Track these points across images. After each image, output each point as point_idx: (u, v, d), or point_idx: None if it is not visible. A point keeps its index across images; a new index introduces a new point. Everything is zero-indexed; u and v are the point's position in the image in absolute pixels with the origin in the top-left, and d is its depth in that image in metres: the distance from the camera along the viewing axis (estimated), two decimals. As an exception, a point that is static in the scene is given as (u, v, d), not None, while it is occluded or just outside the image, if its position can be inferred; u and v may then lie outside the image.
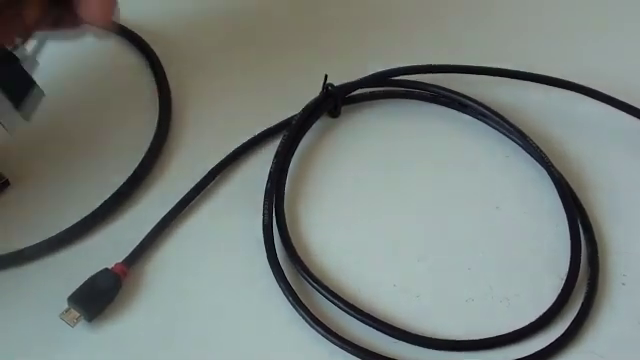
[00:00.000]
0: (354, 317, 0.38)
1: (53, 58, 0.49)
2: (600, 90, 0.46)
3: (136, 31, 0.51)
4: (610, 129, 0.47)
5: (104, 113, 0.47)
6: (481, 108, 0.46)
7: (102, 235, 0.41)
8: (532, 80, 0.47)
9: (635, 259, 0.41)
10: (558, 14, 0.55)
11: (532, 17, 0.55)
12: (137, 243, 0.40)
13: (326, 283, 0.39)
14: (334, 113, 0.47)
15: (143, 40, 0.50)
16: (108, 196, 0.42)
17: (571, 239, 0.41)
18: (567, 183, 0.43)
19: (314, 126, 0.46)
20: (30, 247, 0.40)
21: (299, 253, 0.40)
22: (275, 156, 0.43)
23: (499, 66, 0.47)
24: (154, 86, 0.48)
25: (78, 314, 0.37)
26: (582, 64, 0.49)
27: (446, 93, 0.47)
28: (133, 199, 0.43)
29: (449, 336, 0.38)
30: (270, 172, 0.43)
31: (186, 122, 0.47)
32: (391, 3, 0.55)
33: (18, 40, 0.37)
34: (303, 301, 0.38)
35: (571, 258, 0.40)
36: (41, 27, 0.38)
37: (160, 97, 0.47)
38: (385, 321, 0.38)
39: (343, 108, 0.47)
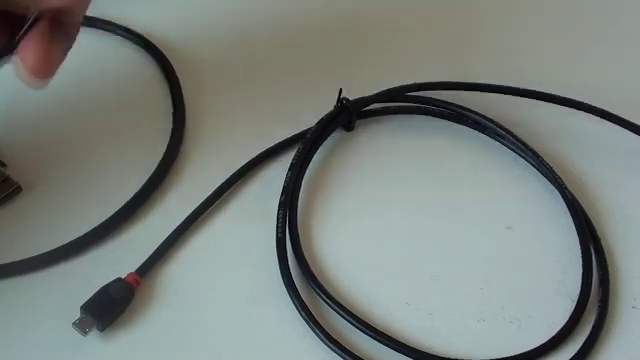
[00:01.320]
0: (366, 334, 0.38)
1: (65, 65, 0.49)
2: (618, 114, 0.46)
3: (153, 41, 0.51)
4: (625, 153, 0.47)
5: (118, 122, 0.47)
6: (495, 126, 0.46)
7: (115, 244, 0.41)
8: (548, 101, 0.47)
9: (646, 283, 0.41)
10: (579, 35, 0.55)
11: (551, 37, 0.55)
12: (150, 253, 0.40)
13: (338, 299, 0.39)
14: (348, 127, 0.47)
15: (160, 51, 0.50)
16: (122, 204, 0.42)
17: (583, 261, 0.41)
18: (580, 205, 0.43)
19: (328, 140, 0.46)
20: (42, 254, 0.40)
21: (312, 268, 0.40)
22: (289, 169, 0.43)
23: (515, 85, 0.47)
24: (169, 96, 0.48)
25: (90, 323, 0.37)
26: (601, 86, 0.49)
27: (460, 111, 0.47)
28: (147, 208, 0.42)
29: (460, 355, 0.38)
30: (284, 185, 0.43)
31: (200, 133, 0.47)
32: (408, 19, 0.56)
33: None
34: (316, 316, 0.38)
35: (582, 280, 0.40)
36: None
37: (174, 107, 0.47)
38: (397, 339, 0.38)
39: (358, 122, 0.47)
